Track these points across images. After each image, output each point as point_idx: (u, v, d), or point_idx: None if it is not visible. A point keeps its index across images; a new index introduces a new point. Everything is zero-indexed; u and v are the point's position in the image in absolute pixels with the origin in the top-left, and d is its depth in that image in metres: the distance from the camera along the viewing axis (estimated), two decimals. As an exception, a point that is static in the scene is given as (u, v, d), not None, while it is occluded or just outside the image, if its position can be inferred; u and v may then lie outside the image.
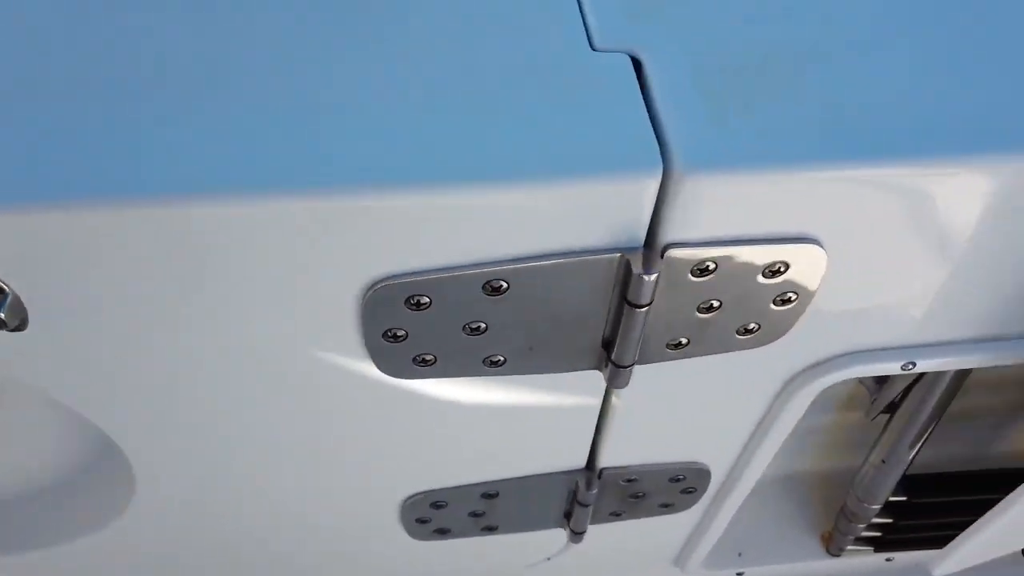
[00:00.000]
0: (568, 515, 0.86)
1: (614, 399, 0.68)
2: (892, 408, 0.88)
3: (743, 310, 0.58)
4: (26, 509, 0.80)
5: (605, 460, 0.77)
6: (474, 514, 0.82)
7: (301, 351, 0.57)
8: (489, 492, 0.79)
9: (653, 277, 0.51)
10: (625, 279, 0.52)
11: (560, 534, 0.90)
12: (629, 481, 0.80)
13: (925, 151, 0.50)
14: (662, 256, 0.52)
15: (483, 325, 0.55)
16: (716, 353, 0.62)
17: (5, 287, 0.49)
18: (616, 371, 0.60)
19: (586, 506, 0.81)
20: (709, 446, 0.78)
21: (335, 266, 0.51)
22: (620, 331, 0.56)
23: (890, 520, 1.00)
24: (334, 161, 0.47)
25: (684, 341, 0.60)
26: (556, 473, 0.78)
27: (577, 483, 0.79)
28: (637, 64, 0.53)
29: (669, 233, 0.51)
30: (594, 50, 0.54)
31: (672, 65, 0.52)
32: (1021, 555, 1.08)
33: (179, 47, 0.51)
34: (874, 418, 0.91)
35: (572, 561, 0.97)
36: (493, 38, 0.54)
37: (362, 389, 0.61)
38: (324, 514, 0.83)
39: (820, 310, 0.60)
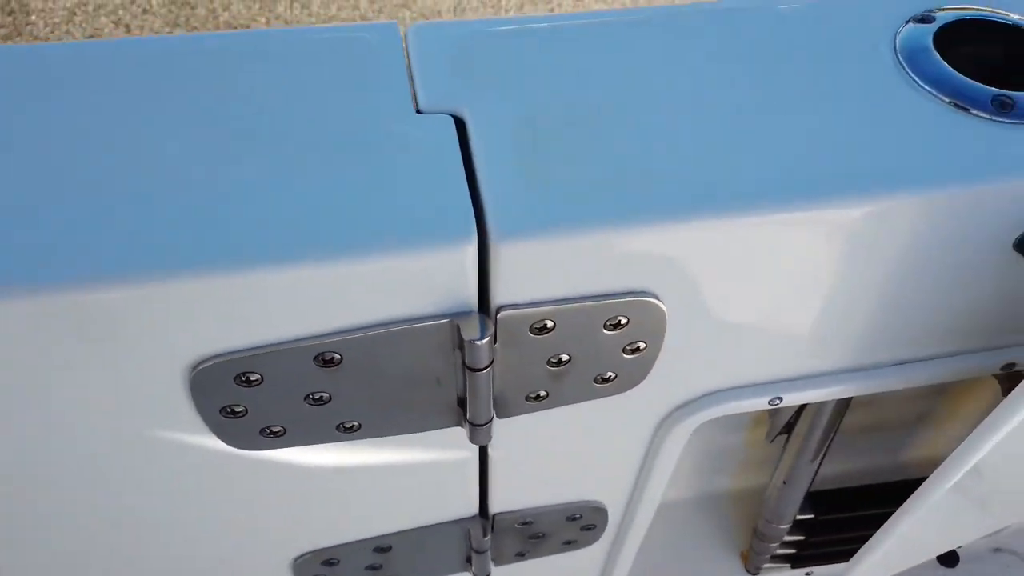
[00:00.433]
0: (470, 560, 0.85)
1: (490, 450, 0.68)
2: (789, 429, 0.89)
3: (594, 361, 0.57)
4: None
5: (496, 506, 0.77)
6: (371, 567, 0.81)
7: (147, 435, 0.56)
8: (382, 546, 0.77)
9: (485, 341, 0.50)
10: (461, 343, 0.52)
11: (467, 579, 0.90)
12: (525, 524, 0.80)
13: (742, 202, 0.50)
14: (496, 318, 0.51)
15: (325, 395, 0.54)
16: (577, 402, 0.62)
17: None
18: (474, 429, 0.59)
19: (483, 552, 0.80)
20: (599, 485, 0.78)
21: (156, 349, 0.49)
22: (467, 393, 0.55)
23: (802, 537, 1.00)
24: (137, 246, 0.46)
25: (543, 394, 0.60)
26: (448, 523, 0.77)
27: (470, 531, 0.78)
28: (463, 124, 0.53)
29: (500, 296, 0.51)
30: (419, 112, 0.53)
31: (494, 125, 0.52)
32: (937, 563, 1.09)
33: None
34: (773, 440, 0.92)
35: (488, 601, 0.96)
36: (316, 105, 0.53)
37: (220, 464, 0.59)
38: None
39: (674, 355, 0.60)
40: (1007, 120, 0.54)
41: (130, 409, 0.53)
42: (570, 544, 0.86)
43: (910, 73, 0.56)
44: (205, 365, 0.49)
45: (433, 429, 0.60)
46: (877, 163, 0.52)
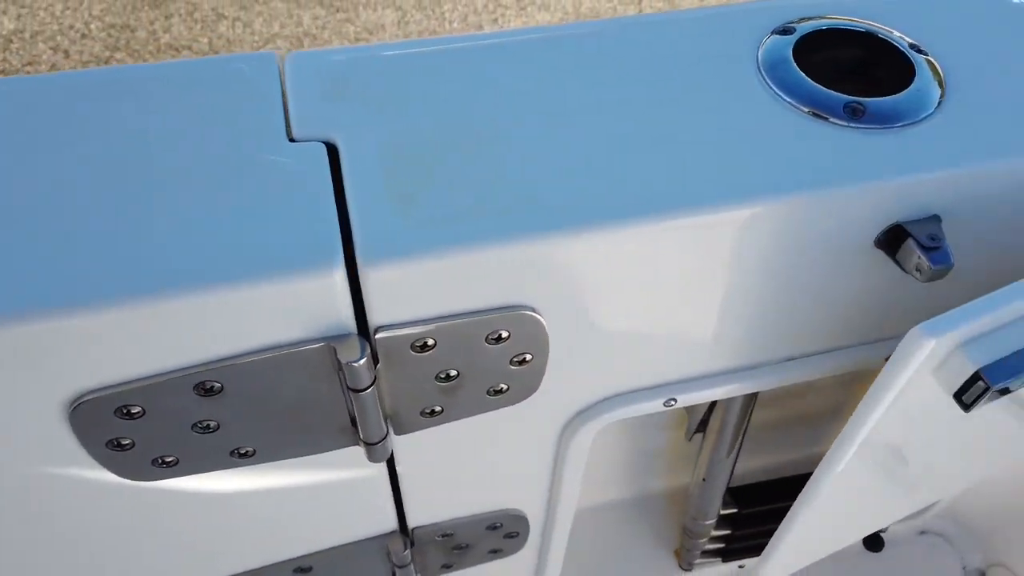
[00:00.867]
0: (395, 575, 0.85)
1: (397, 466, 0.69)
2: (703, 427, 0.91)
3: (483, 375, 0.59)
4: None
5: (414, 520, 0.77)
6: (295, 588, 0.81)
7: (37, 472, 0.56)
8: (302, 567, 0.78)
9: (363, 362, 0.51)
10: (340, 366, 0.53)
11: (395, 594, 0.90)
12: (445, 536, 0.81)
13: (608, 215, 0.52)
14: (374, 339, 0.52)
15: (212, 423, 0.55)
16: (474, 415, 0.63)
17: None
18: (369, 447, 0.60)
19: (405, 566, 0.81)
20: (515, 493, 0.79)
21: (31, 387, 0.49)
22: (355, 413, 0.56)
23: (729, 531, 1.03)
24: (3, 284, 0.46)
25: (437, 409, 0.61)
26: (367, 540, 0.78)
27: (390, 546, 0.79)
28: (335, 149, 0.54)
29: (377, 317, 0.52)
30: (292, 140, 0.54)
31: (366, 151, 0.53)
32: (863, 547, 1.13)
33: None
34: (691, 438, 0.94)
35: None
36: (189, 138, 0.54)
37: (119, 496, 0.59)
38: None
39: (564, 364, 0.61)
40: (859, 126, 0.56)
41: (14, 447, 0.53)
42: (496, 553, 0.87)
43: (770, 84, 0.59)
44: (83, 401, 0.50)
45: (330, 450, 0.61)
46: (739, 172, 0.55)
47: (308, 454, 0.61)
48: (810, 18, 0.63)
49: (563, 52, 0.62)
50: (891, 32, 0.62)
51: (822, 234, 0.57)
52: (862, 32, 0.62)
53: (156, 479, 0.58)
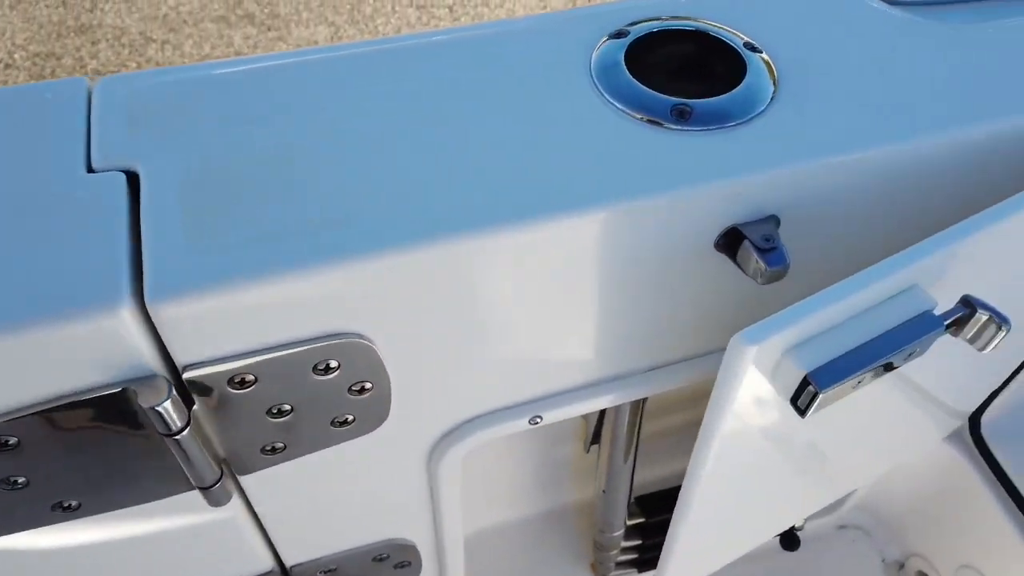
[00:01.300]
0: (283, 614, 0.82)
1: (255, 505, 0.66)
2: (597, 438, 0.89)
3: (321, 407, 0.56)
4: None
5: (290, 558, 0.74)
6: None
7: None
8: (178, 613, 0.74)
9: (167, 405, 0.48)
10: (145, 410, 0.49)
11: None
12: (328, 571, 0.78)
13: (426, 234, 0.49)
14: (183, 379, 0.49)
15: (20, 479, 0.51)
16: (322, 449, 0.60)
17: None
18: (204, 492, 0.57)
19: (287, 606, 0.78)
20: (396, 522, 0.76)
21: None
22: (178, 458, 0.53)
23: (639, 541, 1.01)
24: None
25: (279, 446, 0.58)
26: (244, 581, 0.74)
27: (268, 586, 0.75)
28: (137, 178, 0.51)
29: (182, 356, 0.49)
30: (91, 171, 0.51)
31: (168, 180, 0.51)
32: (780, 546, 1.12)
33: None
34: (588, 450, 0.93)
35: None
36: (-24, 176, 0.50)
37: None
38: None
39: (412, 390, 0.59)
40: (686, 128, 0.55)
41: None
42: (390, 584, 0.84)
43: (601, 90, 0.57)
44: None
45: (165, 497, 0.58)
46: (567, 182, 0.53)
47: (142, 503, 0.58)
48: (646, 20, 0.62)
49: (393, 66, 0.59)
50: (726, 31, 0.61)
51: (661, 240, 0.56)
52: (695, 32, 0.61)
53: (-28, 541, 0.54)
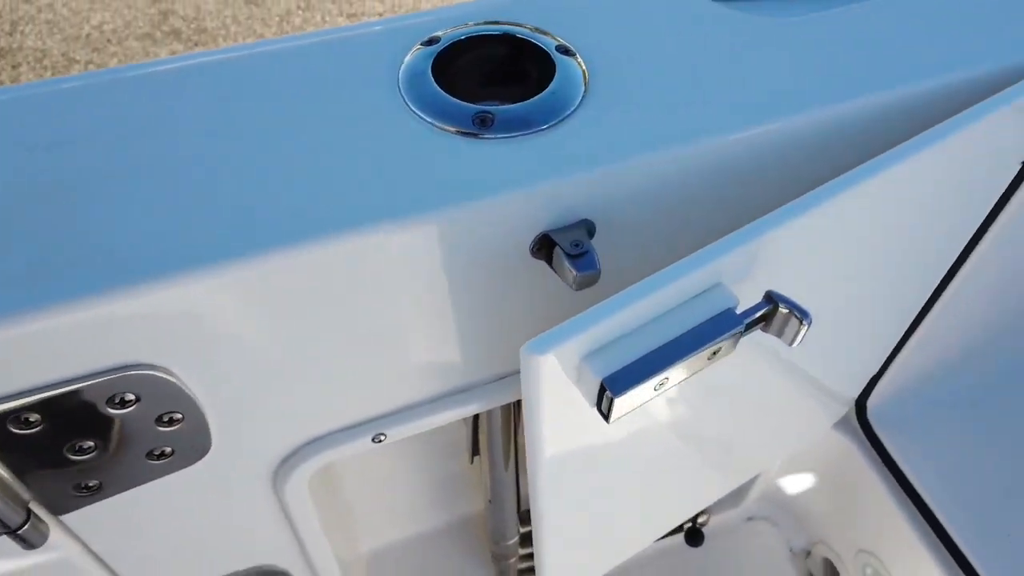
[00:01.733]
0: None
1: (91, 545, 0.63)
2: (476, 449, 0.88)
3: (131, 441, 0.54)
4: None
5: (148, 594, 0.72)
6: None
7: None
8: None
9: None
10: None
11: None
12: (195, 604, 0.75)
13: (208, 258, 0.48)
14: None
15: None
16: (145, 483, 0.58)
17: None
18: (12, 537, 0.54)
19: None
20: (258, 549, 0.75)
21: None
22: (-32, 503, 0.51)
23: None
24: None
25: (92, 484, 0.56)
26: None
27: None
28: None
29: None
30: None
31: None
32: (685, 542, 1.12)
33: None
34: (473, 461, 0.91)
35: None
36: None
37: None
38: None
39: (233, 416, 0.57)
40: (487, 136, 0.54)
41: None
42: (270, 612, 0.82)
43: (406, 99, 0.56)
44: None
45: (-29, 543, 0.55)
46: (370, 194, 0.51)
47: (-53, 552, 0.55)
48: (460, 26, 0.61)
49: (200, 81, 0.58)
50: (541, 35, 0.60)
51: (475, 251, 0.55)
52: (505, 36, 0.60)
53: None
